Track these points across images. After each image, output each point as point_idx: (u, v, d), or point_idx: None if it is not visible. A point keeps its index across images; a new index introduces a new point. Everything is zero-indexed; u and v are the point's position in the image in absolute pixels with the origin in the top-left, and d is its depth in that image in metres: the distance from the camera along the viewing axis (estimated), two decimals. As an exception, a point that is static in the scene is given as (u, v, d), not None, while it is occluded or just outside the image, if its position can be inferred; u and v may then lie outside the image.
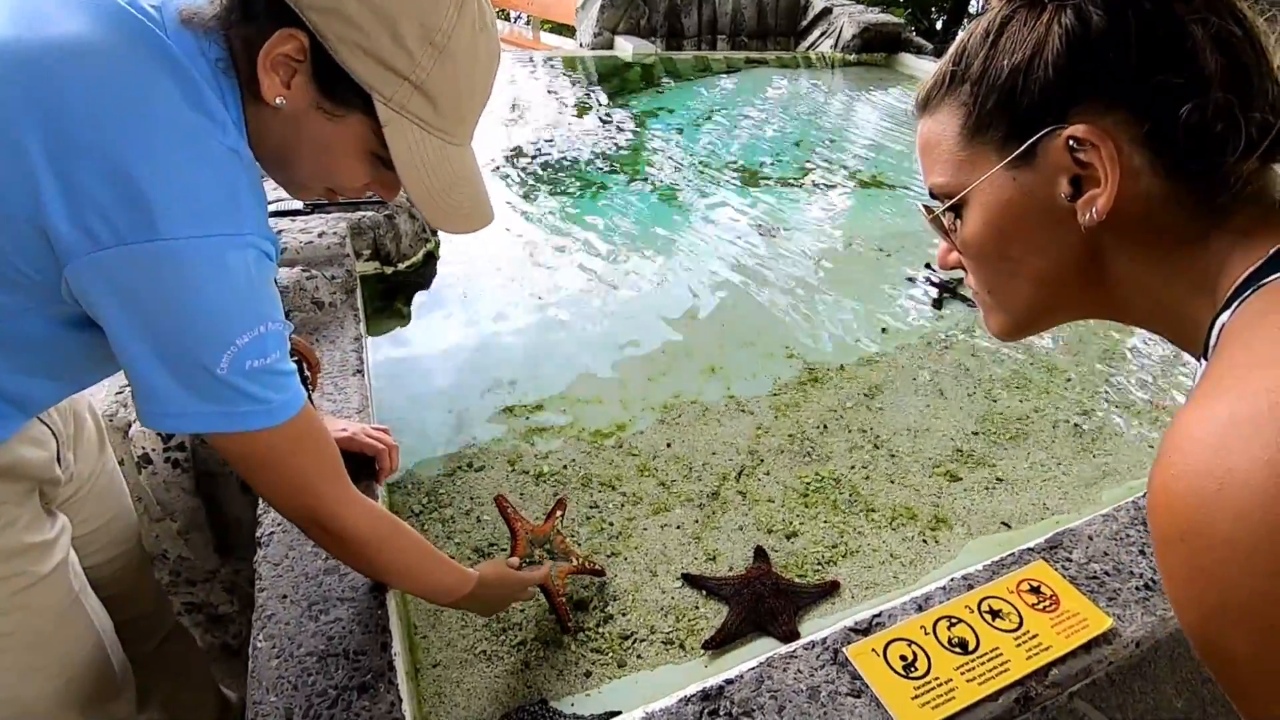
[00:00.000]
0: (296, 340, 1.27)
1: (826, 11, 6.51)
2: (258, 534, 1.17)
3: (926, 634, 1.03)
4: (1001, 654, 1.00)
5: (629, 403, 1.95)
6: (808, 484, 1.71)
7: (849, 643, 1.02)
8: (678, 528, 1.57)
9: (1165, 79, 0.50)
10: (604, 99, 4.82)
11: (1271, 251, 0.50)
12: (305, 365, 1.28)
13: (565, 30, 8.04)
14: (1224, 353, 0.48)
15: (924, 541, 1.57)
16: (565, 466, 1.72)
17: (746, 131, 4.45)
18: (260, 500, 1.25)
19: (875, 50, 6.32)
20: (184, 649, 1.48)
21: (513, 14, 8.92)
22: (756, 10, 6.53)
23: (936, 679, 0.96)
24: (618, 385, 2.02)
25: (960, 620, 1.05)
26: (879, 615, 1.07)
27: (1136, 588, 1.12)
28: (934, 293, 2.58)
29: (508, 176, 3.44)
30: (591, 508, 1.61)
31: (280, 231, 1.90)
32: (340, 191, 0.85)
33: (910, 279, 2.70)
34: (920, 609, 1.07)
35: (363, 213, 2.12)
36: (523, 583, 1.22)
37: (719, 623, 1.33)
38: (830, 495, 1.68)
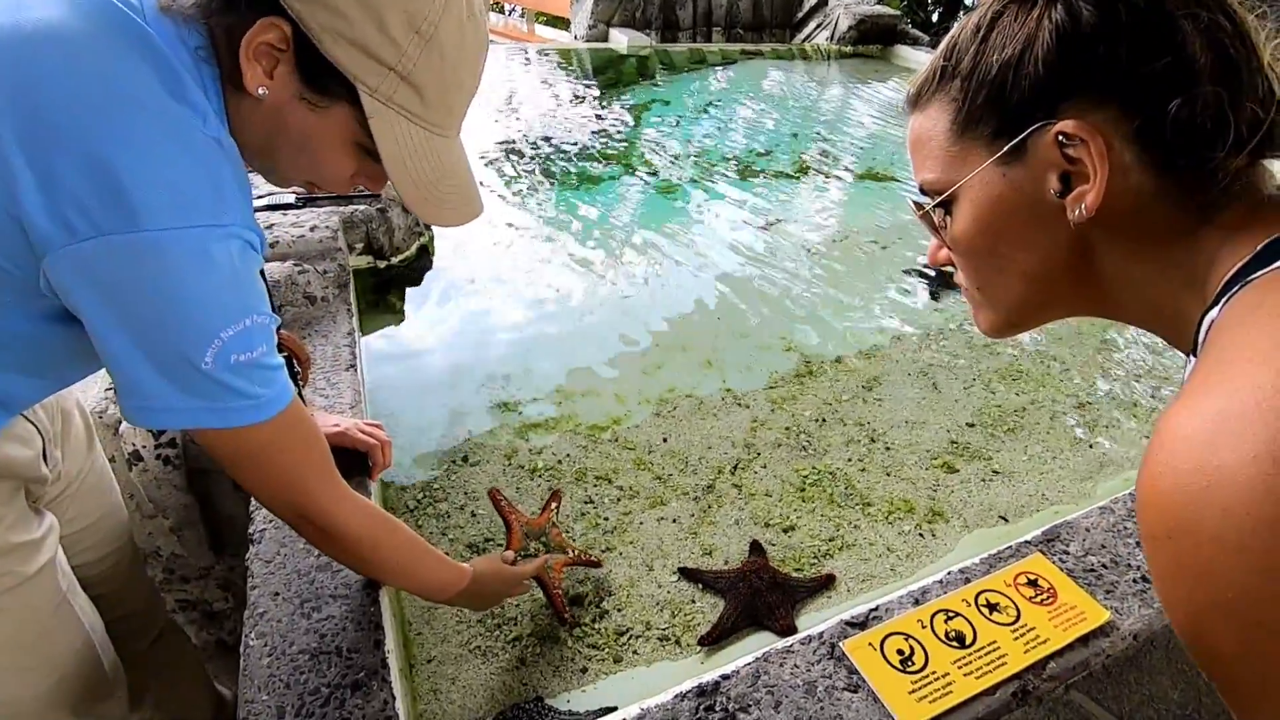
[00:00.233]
0: (285, 335, 1.26)
1: (822, 3, 6.49)
2: (250, 531, 1.16)
3: (923, 628, 1.02)
4: (999, 648, 1.00)
5: (624, 397, 1.94)
6: (804, 477, 1.70)
7: (845, 637, 1.01)
8: (674, 522, 1.56)
9: (1155, 74, 0.50)
10: (599, 92, 4.79)
11: (1259, 247, 0.50)
12: (295, 361, 1.26)
13: (560, 23, 8.00)
14: (1212, 349, 0.48)
15: (920, 535, 1.56)
16: (560, 461, 1.71)
17: (742, 124, 4.43)
18: (251, 497, 1.24)
19: (871, 42, 6.30)
20: (178, 647, 1.47)
21: (507, 7, 8.87)
22: (752, 2, 6.51)
23: (934, 673, 0.96)
24: (613, 379, 2.01)
25: (957, 614, 1.04)
26: (875, 609, 1.06)
27: (1134, 580, 1.12)
28: (931, 285, 2.57)
29: (502, 170, 3.42)
30: (587, 502, 1.60)
31: (271, 225, 1.88)
32: (324, 184, 0.83)
33: (907, 271, 2.69)
34: (917, 603, 1.07)
35: (355, 206, 2.10)
36: (517, 577, 1.21)
37: (715, 617, 1.33)
38: (826, 489, 1.67)
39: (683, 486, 1.66)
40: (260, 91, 0.71)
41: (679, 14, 6.31)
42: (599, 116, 4.26)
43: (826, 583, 1.41)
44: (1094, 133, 0.51)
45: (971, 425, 1.90)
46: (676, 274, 2.61)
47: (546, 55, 5.50)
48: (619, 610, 1.36)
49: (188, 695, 1.50)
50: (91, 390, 1.52)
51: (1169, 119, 0.50)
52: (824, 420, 1.89)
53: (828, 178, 3.65)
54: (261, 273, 0.77)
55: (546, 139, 3.83)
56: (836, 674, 0.96)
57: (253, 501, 1.22)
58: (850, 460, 1.76)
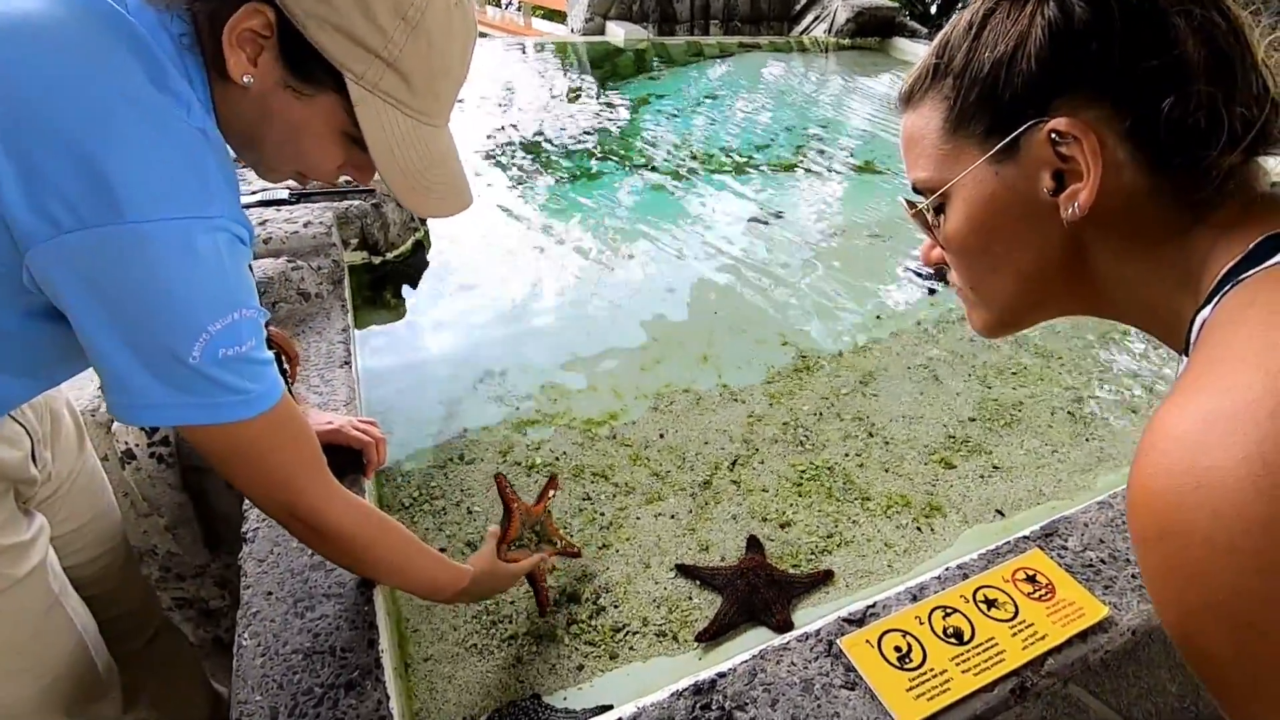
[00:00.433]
0: (274, 332, 1.25)
1: (820, -5, 6.46)
2: (243, 530, 1.15)
3: (921, 624, 1.02)
4: (997, 644, 0.99)
5: (621, 392, 1.93)
6: (802, 473, 1.69)
7: (843, 634, 1.00)
8: (671, 518, 1.56)
9: (1148, 71, 0.50)
10: (596, 86, 4.77)
11: (1252, 245, 0.50)
12: (284, 358, 1.25)
13: (556, 16, 7.97)
14: (1203, 349, 0.48)
15: (918, 530, 1.56)
16: (557, 457, 1.70)
17: (740, 117, 4.41)
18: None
19: (869, 35, 6.28)
20: (173, 646, 1.46)
21: (504, 0, 8.83)
22: (749, -6, 6.48)
23: (932, 670, 0.95)
24: (610, 375, 2.00)
25: (955, 610, 1.04)
26: (873, 606, 1.05)
27: (1133, 575, 1.11)
28: (928, 279, 2.56)
29: (498, 164, 3.40)
30: (584, 499, 1.59)
31: (265, 221, 1.87)
32: (312, 175, 0.82)
33: (905, 266, 2.68)
34: (915, 599, 1.06)
35: (350, 202, 2.09)
36: (514, 575, 1.21)
37: (712, 614, 1.32)
38: (824, 484, 1.66)
39: (680, 482, 1.65)
40: (245, 80, 0.70)
41: (676, 7, 6.28)
42: (596, 110, 4.24)
43: (824, 578, 1.41)
44: (1087, 130, 0.51)
45: (970, 420, 1.90)
46: (673, 268, 2.60)
47: (543, 49, 5.47)
48: (616, 607, 1.36)
49: (184, 694, 1.50)
50: (86, 389, 1.51)
51: (1162, 117, 0.50)
52: (821, 415, 1.88)
53: (825, 171, 3.63)
54: (249, 266, 0.76)
55: (543, 133, 3.82)
56: (834, 671, 0.96)
57: (246, 500, 1.21)
58: (848, 455, 1.75)
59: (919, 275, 2.61)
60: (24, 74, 0.60)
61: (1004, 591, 1.07)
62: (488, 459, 1.69)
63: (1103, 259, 0.56)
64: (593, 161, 3.49)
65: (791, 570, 1.43)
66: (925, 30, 6.35)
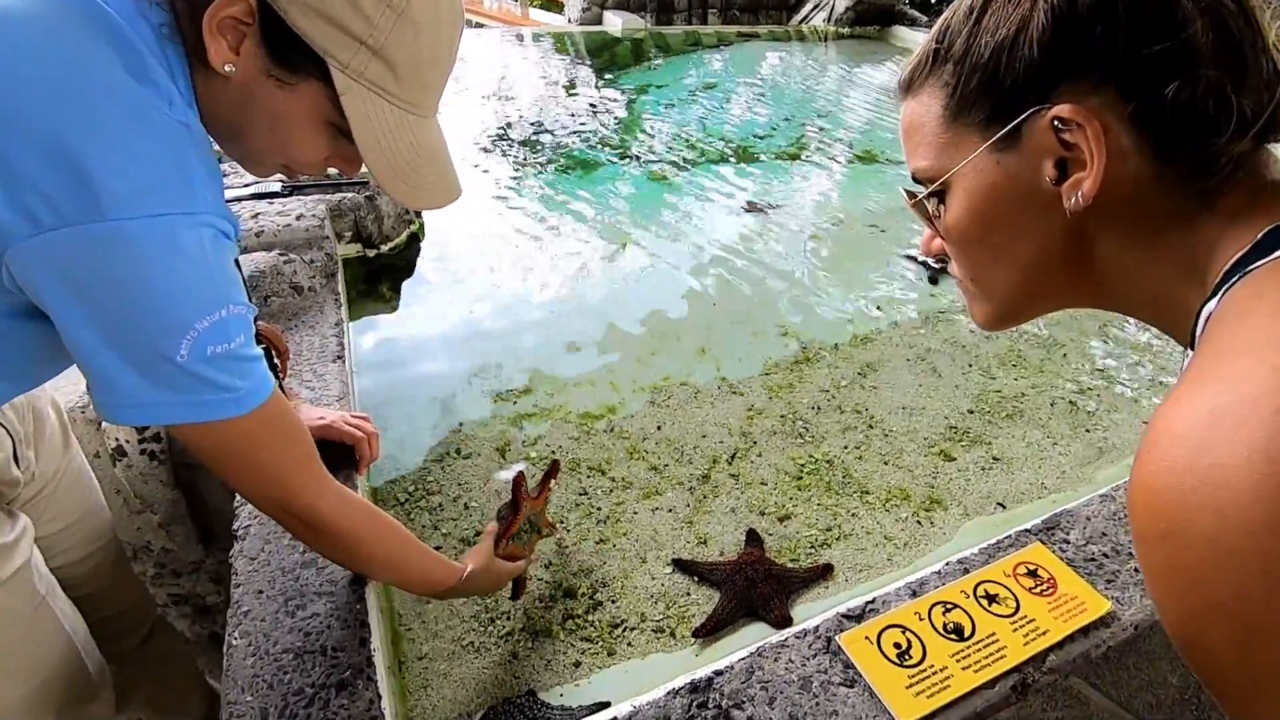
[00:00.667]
0: (264, 327, 1.23)
1: (819, -17, 6.41)
2: (234, 527, 1.14)
3: (921, 620, 1.00)
4: (998, 640, 0.98)
5: (618, 385, 1.92)
6: (801, 466, 1.68)
7: (841, 630, 0.99)
8: (669, 512, 1.54)
9: (1154, 55, 0.48)
10: (593, 75, 4.73)
11: (1260, 235, 0.48)
12: (274, 353, 1.24)
13: (554, 6, 7.91)
14: (1209, 342, 0.47)
15: (918, 523, 1.54)
16: (554, 451, 1.68)
17: (738, 107, 4.38)
18: (236, 492, 1.22)
19: (868, 23, 6.23)
20: (168, 644, 1.45)
21: (500, -10, 8.77)
22: (748, -17, 6.43)
23: (931, 667, 0.94)
24: (607, 368, 1.99)
25: (956, 605, 1.02)
26: (872, 601, 1.04)
27: (1135, 569, 1.09)
28: (929, 269, 2.54)
29: (495, 155, 3.37)
30: (581, 493, 1.58)
31: (257, 214, 1.85)
32: (297, 167, 0.80)
33: (905, 256, 2.66)
34: (915, 594, 1.05)
35: (343, 194, 2.07)
36: (510, 574, 1.20)
37: (710, 609, 1.31)
38: (823, 477, 1.65)
39: (678, 476, 1.64)
40: (227, 68, 0.68)
41: (674, -4, 6.23)
42: (593, 101, 4.21)
43: (823, 573, 1.39)
44: (1091, 117, 0.49)
45: (970, 412, 1.88)
46: (671, 260, 2.57)
47: (540, 39, 5.43)
48: (613, 602, 1.35)
49: (180, 692, 1.49)
50: (79, 386, 1.50)
51: (1169, 102, 0.48)
52: (821, 408, 1.87)
53: (825, 161, 3.60)
54: (236, 261, 0.74)
55: (540, 124, 3.79)
56: (832, 668, 0.94)
57: (237, 497, 1.20)
58: (847, 448, 1.74)
59: (921, 265, 2.59)
60: (0, 68, 0.59)
61: (1005, 586, 1.05)
62: (484, 453, 1.67)
63: (1106, 250, 0.54)
64: (590, 152, 3.46)
65: (790, 564, 1.42)
66: (925, 19, 6.30)
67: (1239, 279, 0.47)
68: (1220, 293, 0.48)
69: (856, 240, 2.80)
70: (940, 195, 0.59)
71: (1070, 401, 1.94)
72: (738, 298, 2.37)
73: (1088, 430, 1.83)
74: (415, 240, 2.43)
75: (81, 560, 1.14)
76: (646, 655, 1.26)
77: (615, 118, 3.98)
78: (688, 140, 3.72)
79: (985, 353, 2.12)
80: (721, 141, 3.73)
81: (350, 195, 2.08)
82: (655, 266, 2.53)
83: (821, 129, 4.03)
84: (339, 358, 1.51)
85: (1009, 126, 0.53)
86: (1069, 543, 1.14)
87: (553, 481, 1.43)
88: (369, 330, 2.06)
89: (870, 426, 1.81)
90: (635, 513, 1.54)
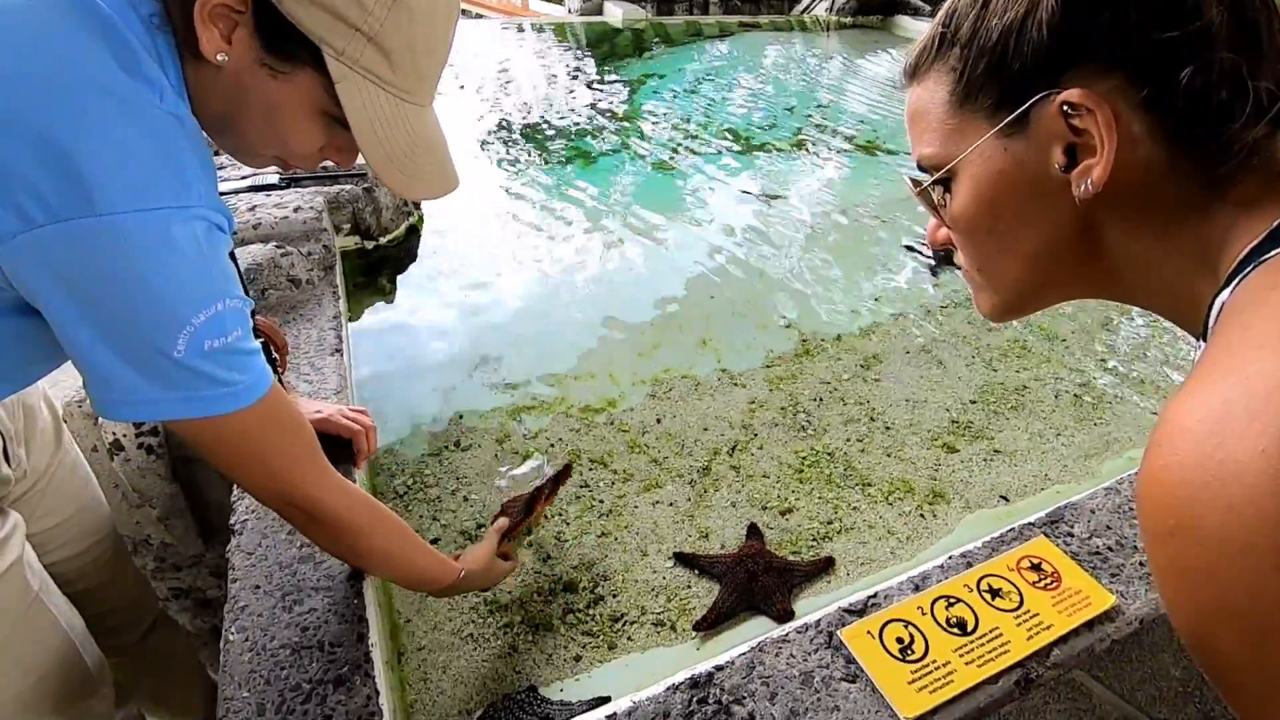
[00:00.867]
0: (261, 321, 1.22)
1: (821, -28, 6.37)
2: (231, 521, 1.13)
3: (924, 615, 0.99)
4: (1001, 634, 0.97)
5: (619, 378, 1.91)
6: (802, 458, 1.67)
7: (843, 625, 0.98)
8: (669, 505, 1.54)
9: (1166, 38, 0.47)
10: (594, 66, 4.71)
11: (1275, 224, 0.47)
12: (272, 347, 1.23)
13: (554, -4, 7.86)
14: (1221, 334, 0.45)
15: (921, 516, 1.53)
16: (554, 444, 1.68)
17: (740, 97, 4.35)
18: (234, 486, 1.21)
19: (871, 13, 6.19)
20: (170, 639, 1.45)
21: (500, -20, 8.73)
22: (749, -28, 6.38)
23: (934, 661, 0.93)
24: (607, 360, 1.97)
25: (958, 600, 1.01)
26: (874, 596, 1.03)
27: (1140, 563, 1.08)
28: (932, 260, 2.52)
29: (495, 147, 3.35)
30: (581, 486, 1.57)
31: (254, 206, 1.84)
32: (292, 159, 0.79)
33: (908, 247, 2.64)
34: (917, 589, 1.04)
35: (341, 186, 2.05)
36: (506, 572, 1.21)
37: (711, 603, 1.30)
38: (825, 470, 1.64)
39: (678, 469, 1.63)
40: (219, 58, 0.67)
41: (675, -15, 6.18)
42: (594, 92, 4.19)
43: (825, 566, 1.39)
44: (1101, 102, 0.48)
45: (973, 403, 1.87)
46: (672, 251, 2.56)
47: (541, 30, 5.40)
48: (613, 596, 1.34)
49: (182, 686, 1.49)
50: (76, 381, 1.49)
51: (1182, 87, 0.47)
52: (822, 400, 1.86)
53: (827, 151, 3.58)
54: (231, 254, 0.73)
55: (540, 115, 3.76)
56: (834, 663, 0.93)
57: (234, 491, 1.19)
58: (849, 440, 1.73)
59: (924, 256, 2.57)
60: None
61: (1008, 580, 1.04)
62: (484, 446, 1.66)
63: (1116, 239, 0.53)
64: (590, 143, 3.44)
65: (792, 558, 1.41)
66: (928, 8, 6.25)
67: (1253, 268, 0.46)
68: (1233, 283, 0.47)
69: (859, 231, 2.78)
70: (946, 183, 0.58)
71: (1074, 394, 1.92)
72: (739, 289, 2.35)
73: (1093, 423, 1.82)
74: (414, 232, 2.41)
75: (78, 555, 1.13)
76: (647, 649, 1.25)
77: (616, 109, 3.96)
78: (689, 131, 3.70)
79: (988, 344, 2.11)
80: (723, 132, 3.71)
81: (348, 187, 2.06)
82: (656, 258, 2.51)
83: (823, 119, 4.00)
84: (337, 351, 1.50)
85: (1017, 112, 0.51)
86: (1073, 536, 1.13)
87: (562, 483, 1.43)
88: (368, 323, 2.05)
89: (872, 419, 1.80)
90: (636, 506, 1.53)
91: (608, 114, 3.86)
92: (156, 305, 0.63)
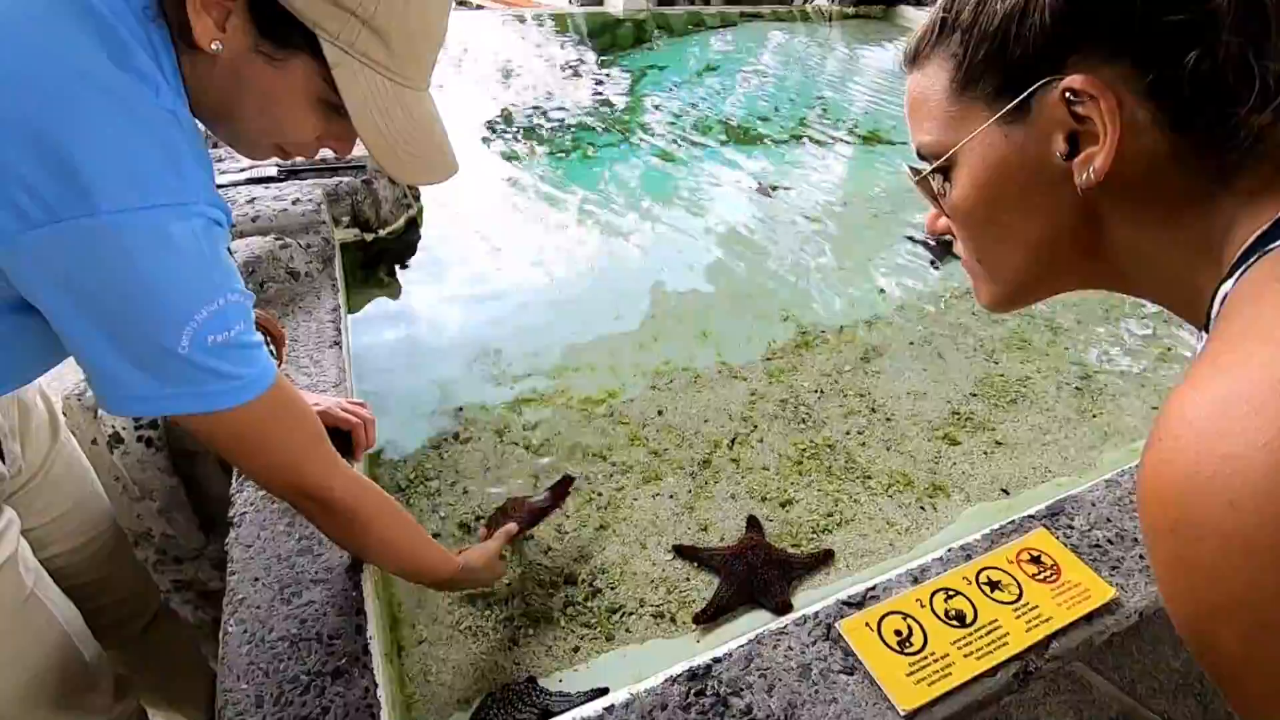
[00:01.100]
0: (259, 314, 1.22)
1: (823, -38, 6.32)
2: (230, 514, 1.13)
3: (922, 607, 0.99)
4: (1000, 626, 0.97)
5: (619, 370, 1.90)
6: (802, 451, 1.66)
7: (842, 617, 0.98)
8: (669, 497, 1.53)
9: (1173, 22, 0.45)
10: (595, 57, 4.68)
11: None
12: (269, 339, 1.22)
13: (555, -13, 7.81)
14: (1224, 325, 0.44)
15: (921, 508, 1.53)
16: (553, 437, 1.67)
17: (742, 88, 4.33)
18: (233, 479, 1.21)
19: (873, 3, 6.15)
20: (171, 631, 1.45)
21: (501, -29, 8.67)
22: (751, -38, 6.33)
23: (932, 654, 0.93)
24: (607, 352, 1.97)
25: (958, 592, 1.01)
26: (873, 588, 1.03)
27: (1140, 555, 1.08)
28: (933, 251, 2.51)
29: (495, 138, 3.34)
30: (581, 479, 1.57)
31: (253, 199, 1.83)
32: (290, 147, 0.78)
33: (909, 238, 2.63)
34: (916, 581, 1.04)
35: (340, 178, 2.04)
36: (501, 573, 1.23)
37: (710, 595, 1.30)
38: (825, 462, 1.64)
39: (678, 461, 1.62)
40: (214, 46, 0.67)
41: (676, -25, 6.14)
42: (595, 83, 4.17)
43: (824, 559, 1.39)
44: (1104, 89, 0.47)
45: (974, 396, 1.86)
46: (673, 243, 2.55)
47: (542, 21, 5.37)
48: (612, 588, 1.34)
49: (184, 679, 1.49)
50: (75, 374, 1.48)
51: (1187, 73, 0.45)
52: (823, 392, 1.85)
53: (828, 143, 3.56)
54: (228, 248, 0.73)
55: (541, 106, 3.75)
56: (832, 656, 0.93)
57: (233, 484, 1.19)
58: (849, 433, 1.72)
59: (925, 246, 2.56)
60: None
61: (1008, 573, 1.04)
62: (484, 439, 1.66)
63: (1118, 228, 0.52)
64: (591, 135, 3.43)
65: (791, 550, 1.41)
66: (931, -2, 6.21)
67: (1257, 258, 0.45)
68: (1237, 273, 0.46)
69: (860, 223, 2.77)
70: (946, 171, 0.57)
71: (1075, 386, 1.92)
72: (739, 281, 2.35)
73: (1094, 415, 1.82)
74: (414, 225, 2.40)
75: (77, 549, 1.13)
76: (646, 641, 1.25)
77: (617, 100, 3.94)
78: (690, 122, 3.68)
79: (989, 336, 2.10)
80: (724, 124, 3.69)
81: (347, 179, 2.06)
82: (656, 250, 2.51)
83: (825, 110, 3.98)
84: (336, 343, 1.50)
85: (1019, 99, 0.50)
86: (1073, 528, 1.12)
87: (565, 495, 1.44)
88: (367, 316, 2.04)
89: (873, 411, 1.80)
90: (636, 498, 1.53)
91: (608, 105, 3.84)
92: (158, 303, 0.63)
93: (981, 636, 0.95)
